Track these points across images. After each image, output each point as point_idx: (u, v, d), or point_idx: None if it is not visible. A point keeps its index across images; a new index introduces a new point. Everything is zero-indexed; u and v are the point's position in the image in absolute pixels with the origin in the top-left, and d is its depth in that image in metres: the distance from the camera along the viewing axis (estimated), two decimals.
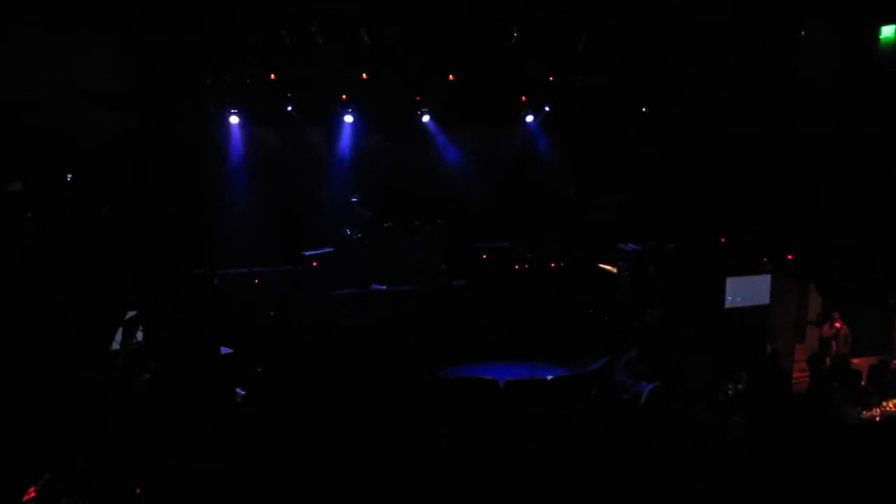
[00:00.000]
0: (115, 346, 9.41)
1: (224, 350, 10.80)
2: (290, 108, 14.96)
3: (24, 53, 10.79)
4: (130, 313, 9.56)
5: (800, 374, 13.51)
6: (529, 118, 16.61)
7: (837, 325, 13.02)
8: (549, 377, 12.36)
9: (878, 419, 9.38)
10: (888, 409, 10.04)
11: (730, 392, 10.18)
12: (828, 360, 12.13)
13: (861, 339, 13.23)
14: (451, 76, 14.79)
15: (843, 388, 10.85)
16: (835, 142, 12.31)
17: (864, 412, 9.82)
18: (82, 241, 9.42)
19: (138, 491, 7.60)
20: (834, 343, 12.93)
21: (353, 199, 15.52)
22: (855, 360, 12.60)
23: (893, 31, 11.88)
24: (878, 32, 12.05)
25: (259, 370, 12.04)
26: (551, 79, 15.38)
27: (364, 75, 14.37)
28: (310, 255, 14.74)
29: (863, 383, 11.47)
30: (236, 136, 14.92)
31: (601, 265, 16.00)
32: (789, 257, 13.88)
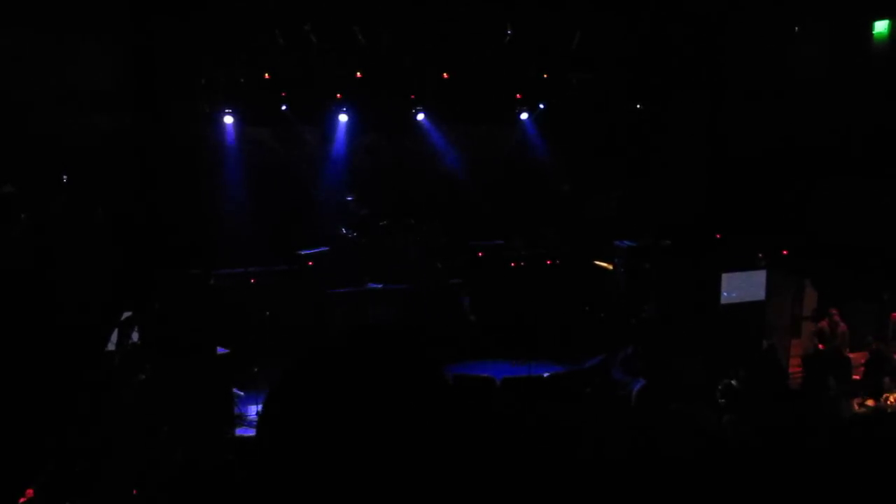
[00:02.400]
0: (112, 346, 9.40)
1: (220, 350, 10.80)
2: (284, 108, 14.94)
3: (16, 55, 10.76)
4: (126, 314, 9.56)
5: (796, 370, 13.54)
6: (524, 115, 16.60)
7: (837, 319, 13.01)
8: (546, 374, 12.38)
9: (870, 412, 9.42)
10: (887, 402, 10.10)
11: (720, 388, 10.22)
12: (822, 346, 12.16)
13: (857, 333, 13.25)
14: (445, 74, 14.80)
15: (838, 382, 10.91)
16: (829, 138, 12.34)
17: (857, 405, 9.88)
18: (77, 243, 9.40)
19: (135, 492, 7.60)
20: (817, 339, 12.90)
21: (349, 198, 15.51)
22: (851, 355, 12.64)
23: (886, 26, 11.91)
24: (871, 28, 12.08)
25: (256, 370, 12.06)
26: (546, 76, 15.39)
27: (358, 74, 14.37)
28: (305, 255, 14.73)
29: (856, 377, 11.53)
30: (231, 135, 14.91)
31: (597, 262, 16.01)
32: (784, 253, 13.91)
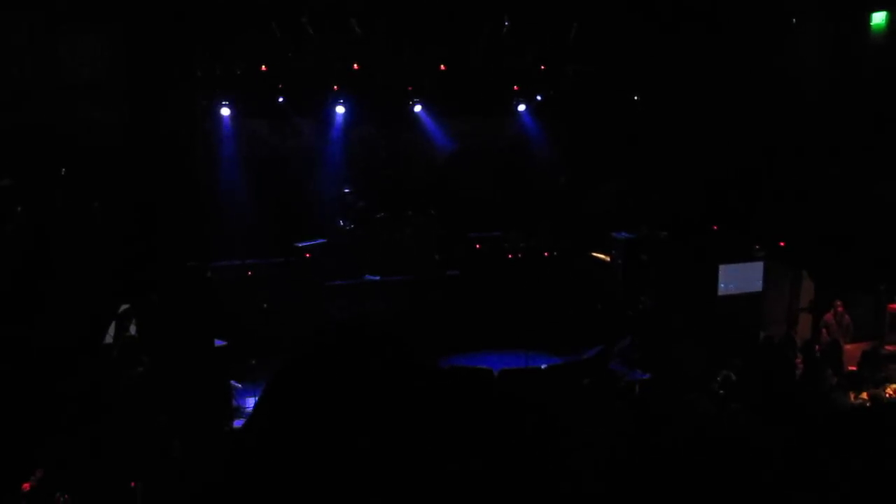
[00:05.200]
0: (109, 339, 9.40)
1: (218, 342, 10.80)
2: (281, 100, 14.90)
3: (12, 47, 10.73)
4: (124, 307, 9.56)
5: None
6: (521, 107, 16.58)
7: (840, 309, 13.02)
8: (544, 366, 12.40)
9: (868, 403, 9.44)
10: (883, 393, 10.12)
11: (719, 379, 10.23)
12: (818, 347, 12.17)
13: (853, 325, 13.28)
14: (442, 66, 14.77)
15: (835, 374, 10.92)
16: (826, 129, 12.33)
17: (853, 396, 9.90)
18: (74, 236, 9.39)
19: (133, 484, 7.61)
20: (825, 330, 12.94)
21: (346, 190, 15.50)
22: (847, 347, 12.67)
23: (884, 17, 11.89)
24: (868, 19, 12.07)
25: (253, 362, 12.08)
26: (543, 68, 15.37)
27: (355, 66, 14.34)
28: (303, 247, 14.72)
29: (852, 368, 11.56)
30: (228, 128, 14.88)
31: (594, 254, 16.02)
32: (782, 244, 13.92)
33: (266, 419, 2.04)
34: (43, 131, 10.56)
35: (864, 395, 9.83)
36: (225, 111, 14.63)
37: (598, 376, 11.54)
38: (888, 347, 12.79)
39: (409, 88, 15.58)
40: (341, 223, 15.36)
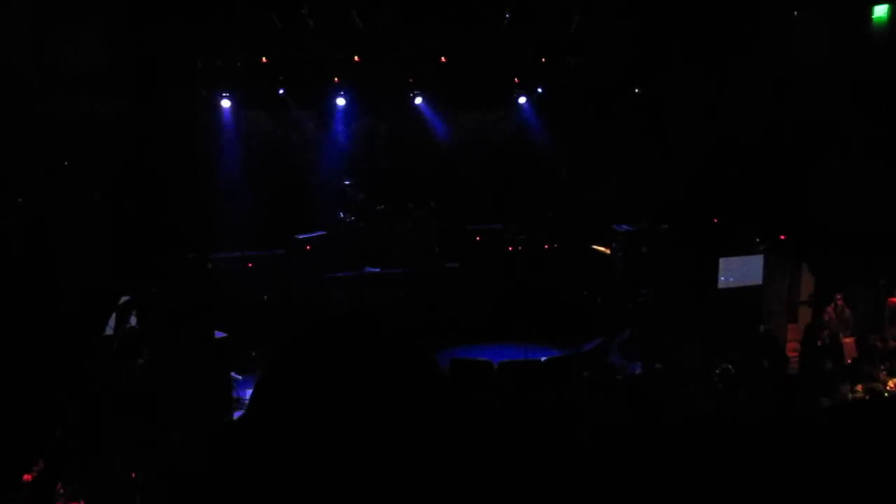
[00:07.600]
0: (109, 331, 9.41)
1: (218, 334, 10.81)
2: (282, 92, 14.89)
3: (14, 39, 10.73)
4: (124, 299, 9.56)
5: (793, 354, 13.59)
6: (522, 100, 16.55)
7: (840, 303, 13.02)
8: (543, 358, 12.40)
9: (866, 396, 9.45)
10: (881, 387, 10.12)
11: (718, 372, 10.24)
12: (820, 342, 12.17)
13: (853, 319, 13.28)
14: (443, 58, 14.74)
15: (834, 366, 10.93)
16: (827, 123, 12.32)
17: (849, 389, 9.91)
18: (75, 227, 9.39)
19: (134, 475, 7.64)
20: (830, 323, 12.95)
21: (346, 183, 15.49)
22: (847, 340, 12.69)
23: (886, 10, 11.86)
24: (870, 12, 12.04)
25: (254, 354, 12.10)
26: (544, 60, 15.34)
27: (356, 58, 14.32)
28: (303, 239, 14.72)
29: (849, 361, 11.57)
30: (228, 119, 14.86)
31: (594, 246, 16.01)
32: (782, 238, 13.92)
33: (262, 411, 2.04)
34: (44, 122, 10.56)
35: (859, 388, 9.83)
36: (225, 103, 14.61)
37: (598, 369, 11.55)
38: (890, 342, 12.79)
39: (410, 80, 15.56)
40: (341, 215, 15.36)
